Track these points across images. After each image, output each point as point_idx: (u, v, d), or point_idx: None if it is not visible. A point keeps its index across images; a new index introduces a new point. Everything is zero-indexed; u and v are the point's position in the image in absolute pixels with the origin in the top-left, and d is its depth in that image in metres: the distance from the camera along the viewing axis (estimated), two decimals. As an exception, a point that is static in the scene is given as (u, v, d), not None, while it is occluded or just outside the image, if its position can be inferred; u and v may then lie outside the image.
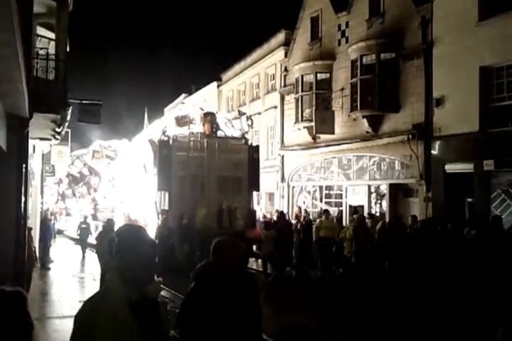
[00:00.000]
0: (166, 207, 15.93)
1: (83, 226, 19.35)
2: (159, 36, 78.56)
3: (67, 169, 27.67)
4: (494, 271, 9.28)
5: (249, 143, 17.54)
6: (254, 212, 17.22)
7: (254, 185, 17.18)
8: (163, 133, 16.32)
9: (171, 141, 16.15)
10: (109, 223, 11.70)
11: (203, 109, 18.46)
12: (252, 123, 18.33)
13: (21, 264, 9.51)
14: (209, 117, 17.05)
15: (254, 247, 16.21)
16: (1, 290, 2.42)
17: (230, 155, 16.78)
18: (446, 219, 11.99)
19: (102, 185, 24.59)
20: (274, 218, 17.10)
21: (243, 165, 16.86)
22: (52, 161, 21.04)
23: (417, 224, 12.82)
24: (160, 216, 15.74)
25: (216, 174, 16.48)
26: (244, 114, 18.69)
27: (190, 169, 16.23)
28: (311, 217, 17.47)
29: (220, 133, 17.12)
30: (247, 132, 17.82)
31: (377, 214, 16.31)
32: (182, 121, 17.31)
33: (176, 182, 16.01)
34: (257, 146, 18.01)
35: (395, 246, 12.08)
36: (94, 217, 23.05)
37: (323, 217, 15.07)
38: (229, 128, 17.79)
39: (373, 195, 17.46)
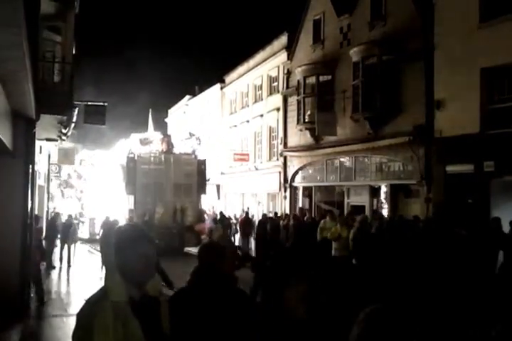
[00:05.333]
0: (132, 207, 20.26)
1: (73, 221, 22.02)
2: (163, 38, 78.83)
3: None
4: (493, 272, 9.35)
5: (198, 157, 22.43)
6: (202, 210, 22.03)
7: (202, 190, 21.93)
8: (130, 151, 21.11)
9: (136, 157, 20.78)
10: (113, 224, 11.80)
11: (161, 133, 24.74)
12: (200, 143, 23.58)
13: (28, 263, 9.59)
14: (166, 138, 22.46)
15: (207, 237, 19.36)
16: None
17: (182, 167, 21.46)
18: (447, 220, 12.03)
19: (87, 188, 29.43)
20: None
21: (193, 174, 21.55)
22: (58, 162, 21.41)
23: (420, 224, 12.85)
24: (127, 214, 19.91)
25: (172, 182, 20.96)
26: (194, 135, 24.02)
27: (151, 178, 20.71)
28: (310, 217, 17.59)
29: (174, 151, 22.13)
30: (196, 149, 22.80)
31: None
32: (145, 141, 22.55)
33: (140, 188, 20.50)
34: (204, 160, 22.38)
35: (396, 245, 12.10)
36: (81, 215, 27.89)
37: (327, 217, 15.08)
38: (185, 144, 23.32)
39: (375, 197, 17.55)
